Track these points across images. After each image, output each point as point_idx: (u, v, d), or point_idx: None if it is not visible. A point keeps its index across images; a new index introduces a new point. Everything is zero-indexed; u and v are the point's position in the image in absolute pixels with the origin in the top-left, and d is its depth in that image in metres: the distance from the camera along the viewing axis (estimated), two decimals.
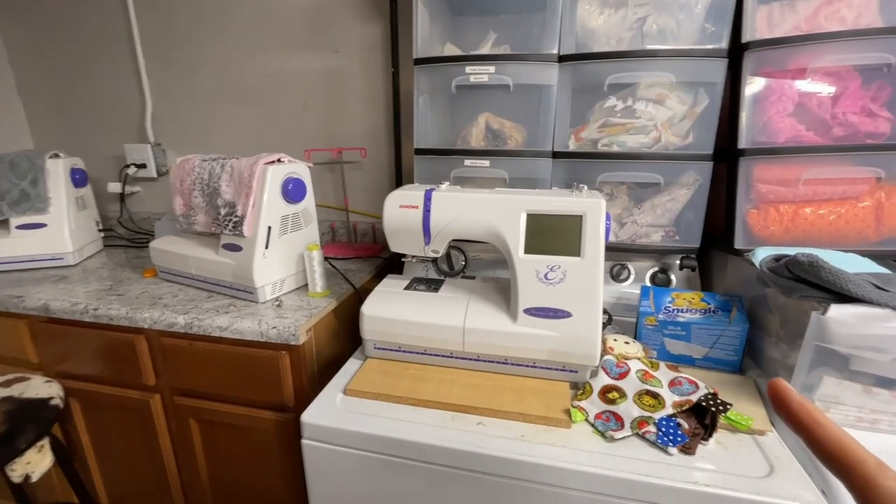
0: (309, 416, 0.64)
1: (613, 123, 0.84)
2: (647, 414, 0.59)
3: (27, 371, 1.01)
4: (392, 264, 1.21)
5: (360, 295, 0.97)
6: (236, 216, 0.89)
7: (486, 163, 0.90)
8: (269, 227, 0.89)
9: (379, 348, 0.76)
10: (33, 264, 1.15)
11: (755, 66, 0.76)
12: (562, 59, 0.84)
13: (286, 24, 1.25)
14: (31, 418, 0.88)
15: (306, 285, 0.96)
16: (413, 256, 0.81)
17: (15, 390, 0.93)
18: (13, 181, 1.14)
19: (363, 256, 1.21)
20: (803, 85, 0.75)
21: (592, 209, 0.66)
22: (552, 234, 0.68)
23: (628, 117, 0.83)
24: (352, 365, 0.76)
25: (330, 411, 0.65)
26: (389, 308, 0.75)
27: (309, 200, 0.99)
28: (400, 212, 0.74)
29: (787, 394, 0.22)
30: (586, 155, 0.86)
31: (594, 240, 0.66)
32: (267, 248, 0.89)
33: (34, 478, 0.88)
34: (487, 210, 0.71)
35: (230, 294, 0.95)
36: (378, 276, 1.12)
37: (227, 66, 1.33)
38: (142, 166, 1.45)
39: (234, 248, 0.91)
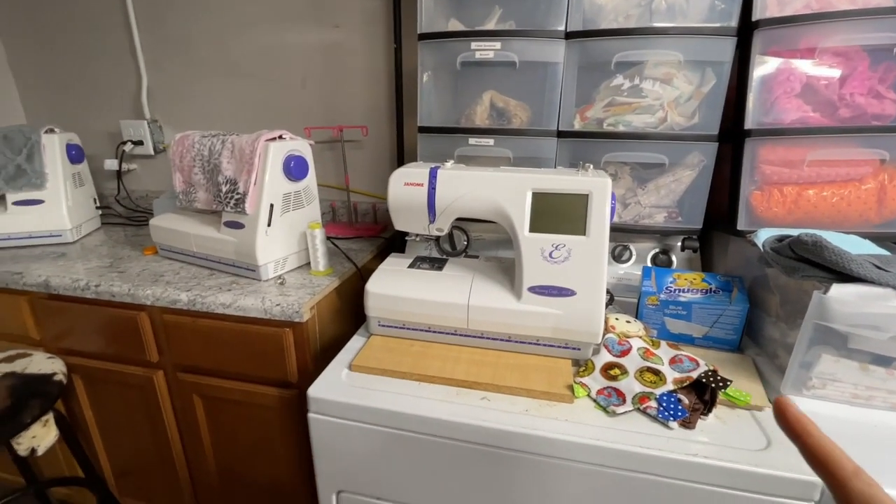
0: (315, 391, 0.64)
1: (619, 103, 0.84)
2: (648, 390, 0.60)
3: (28, 347, 1.01)
4: (393, 245, 1.21)
5: (363, 274, 0.97)
6: (238, 193, 0.89)
7: (491, 141, 0.89)
8: (272, 205, 0.89)
9: (383, 325, 0.77)
10: (31, 241, 1.14)
11: (764, 45, 0.75)
12: (569, 35, 0.83)
13: None
14: (35, 393, 0.89)
15: (308, 264, 0.96)
16: (417, 235, 0.81)
17: (17, 366, 0.93)
18: (8, 156, 1.12)
19: (364, 236, 1.21)
20: (812, 65, 0.74)
21: (598, 188, 0.66)
22: (557, 213, 0.68)
23: (635, 96, 0.83)
24: (356, 342, 0.77)
25: (336, 386, 0.66)
26: (394, 285, 0.75)
27: (311, 178, 0.98)
28: (405, 189, 0.74)
29: (787, 408, 0.24)
30: (591, 134, 0.86)
31: (599, 219, 0.66)
32: (269, 225, 0.89)
33: (40, 451, 0.89)
34: (493, 188, 0.71)
35: (232, 272, 0.95)
36: (379, 256, 1.12)
37: (224, 39, 1.30)
38: (138, 143, 1.43)
39: (237, 225, 0.91)
